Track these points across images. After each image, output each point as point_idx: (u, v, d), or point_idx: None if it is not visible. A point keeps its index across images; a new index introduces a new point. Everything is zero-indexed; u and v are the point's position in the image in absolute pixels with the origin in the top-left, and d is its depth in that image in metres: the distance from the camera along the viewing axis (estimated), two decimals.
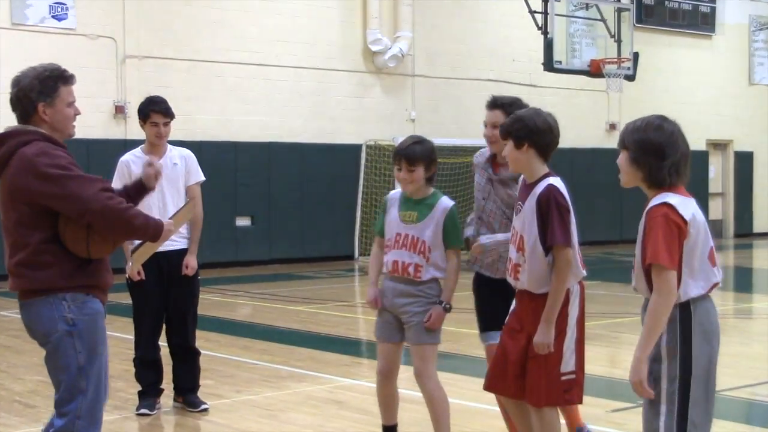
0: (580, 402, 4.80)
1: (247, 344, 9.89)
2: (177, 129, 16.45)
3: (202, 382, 7.00)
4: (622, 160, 4.04)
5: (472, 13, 21.05)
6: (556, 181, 4.68)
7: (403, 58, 19.79)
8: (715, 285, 3.98)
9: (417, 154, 5.29)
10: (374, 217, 19.33)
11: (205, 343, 9.59)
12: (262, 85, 18.28)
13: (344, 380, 7.92)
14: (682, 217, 3.86)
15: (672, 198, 3.90)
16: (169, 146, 6.92)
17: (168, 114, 6.77)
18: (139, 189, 4.59)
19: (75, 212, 4.09)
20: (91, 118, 15.78)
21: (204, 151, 17.67)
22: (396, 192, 5.54)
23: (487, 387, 4.91)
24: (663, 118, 4.07)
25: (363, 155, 19.31)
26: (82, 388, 4.23)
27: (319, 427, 6.44)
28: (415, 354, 5.42)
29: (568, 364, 4.64)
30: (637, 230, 4.00)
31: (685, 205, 3.91)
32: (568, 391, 4.65)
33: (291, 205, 18.58)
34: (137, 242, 4.69)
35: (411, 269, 5.29)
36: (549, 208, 4.60)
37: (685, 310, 3.90)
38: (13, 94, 4.28)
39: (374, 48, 19.40)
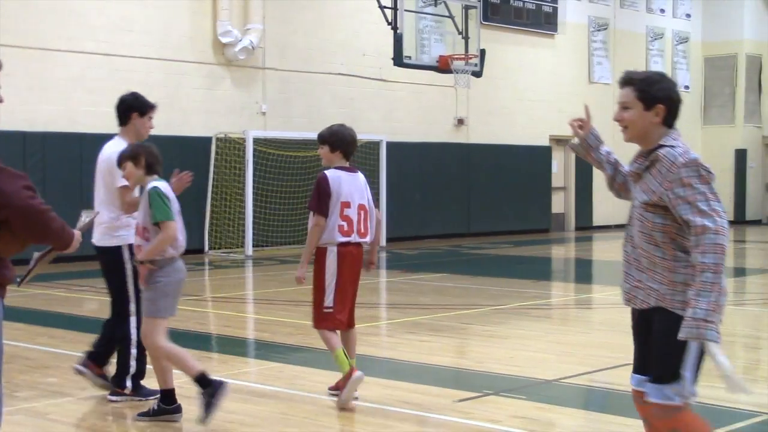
0: (343, 328, 6.72)
1: (94, 340, 9.66)
2: (20, 119, 16.09)
3: (46, 379, 6.83)
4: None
5: (323, 7, 21.12)
6: None
7: (254, 50, 19.69)
8: None
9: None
10: (225, 210, 19.22)
11: (50, 339, 9.36)
12: (110, 76, 17.84)
13: None
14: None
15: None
16: None
17: None
18: None
19: None
20: None
21: (48, 143, 17.19)
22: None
23: None
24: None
25: (213, 148, 19.14)
26: None
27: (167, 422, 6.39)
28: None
29: (327, 300, 6.61)
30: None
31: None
32: (327, 320, 6.61)
33: None
34: (42, 249, 4.31)
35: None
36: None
37: None
38: None
39: (224, 40, 19.24)
